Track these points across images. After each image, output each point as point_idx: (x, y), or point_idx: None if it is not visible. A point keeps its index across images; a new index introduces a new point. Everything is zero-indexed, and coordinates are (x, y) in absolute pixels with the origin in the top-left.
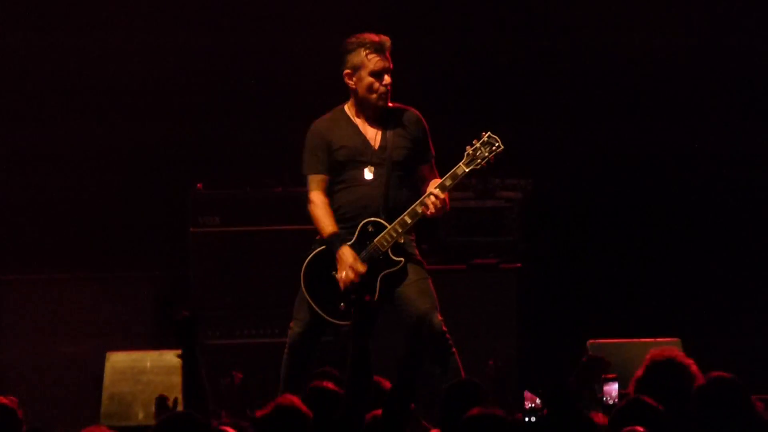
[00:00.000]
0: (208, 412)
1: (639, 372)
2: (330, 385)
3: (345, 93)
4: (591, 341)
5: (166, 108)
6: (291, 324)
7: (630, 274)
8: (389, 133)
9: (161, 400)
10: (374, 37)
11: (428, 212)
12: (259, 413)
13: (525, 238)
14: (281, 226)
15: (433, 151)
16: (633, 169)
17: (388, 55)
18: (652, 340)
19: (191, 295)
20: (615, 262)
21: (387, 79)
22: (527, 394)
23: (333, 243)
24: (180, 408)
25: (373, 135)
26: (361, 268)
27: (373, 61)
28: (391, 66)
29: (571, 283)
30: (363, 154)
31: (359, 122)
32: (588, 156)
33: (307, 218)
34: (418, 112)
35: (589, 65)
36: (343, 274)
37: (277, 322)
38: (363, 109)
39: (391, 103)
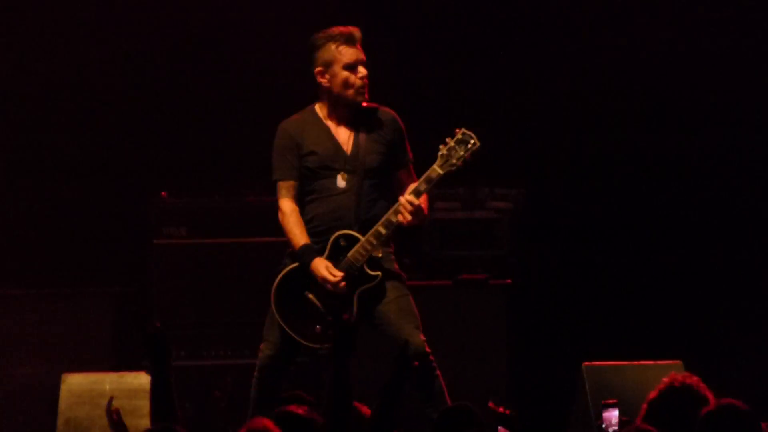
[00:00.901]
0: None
1: (652, 394)
2: (300, 410)
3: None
4: (586, 364)
5: (126, 110)
6: (261, 346)
7: (629, 291)
8: (362, 136)
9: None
10: (343, 29)
11: (404, 221)
12: None
13: (516, 252)
14: (253, 238)
15: (410, 155)
16: (632, 178)
17: (359, 46)
18: (652, 362)
19: (154, 312)
20: (612, 278)
21: (362, 71)
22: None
23: (304, 256)
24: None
25: (346, 138)
26: (338, 273)
27: (346, 54)
28: (365, 57)
29: (565, 301)
30: (334, 160)
31: (331, 124)
32: (584, 163)
33: (280, 230)
34: (393, 112)
35: (585, 66)
36: (329, 287)
37: (247, 341)
38: (337, 108)
39: (366, 102)
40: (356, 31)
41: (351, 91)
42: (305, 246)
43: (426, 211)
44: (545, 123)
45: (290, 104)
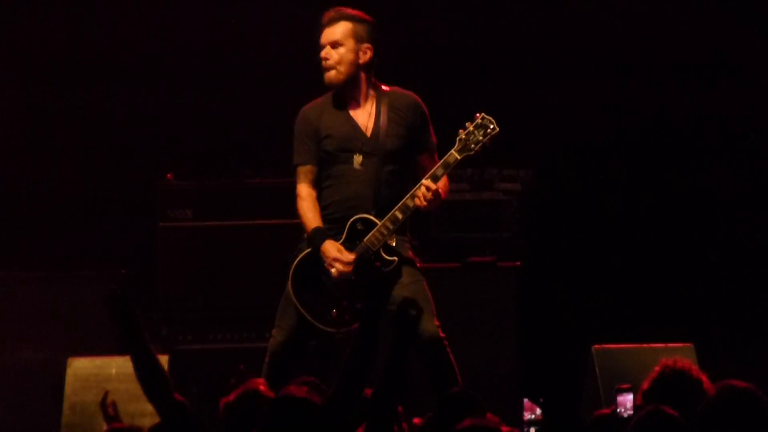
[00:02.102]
0: (170, 389)
1: (645, 384)
2: (298, 391)
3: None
4: (596, 346)
5: (131, 92)
6: (273, 331)
7: (639, 273)
8: (383, 119)
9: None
10: (326, 14)
11: (421, 205)
12: (224, 400)
13: (525, 234)
14: (259, 220)
15: (434, 140)
16: (643, 159)
17: (327, 28)
18: (663, 345)
19: (159, 295)
20: (623, 260)
21: (322, 52)
22: (527, 403)
23: (315, 239)
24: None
25: (365, 121)
26: (349, 256)
27: (320, 40)
28: (327, 39)
29: (574, 283)
30: (352, 141)
31: (350, 107)
32: (594, 144)
33: (287, 212)
34: (416, 96)
35: (596, 44)
36: (333, 271)
37: (254, 325)
38: (352, 90)
39: (388, 86)
40: (328, 14)
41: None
42: (316, 229)
43: (444, 195)
44: (554, 102)
45: (297, 86)
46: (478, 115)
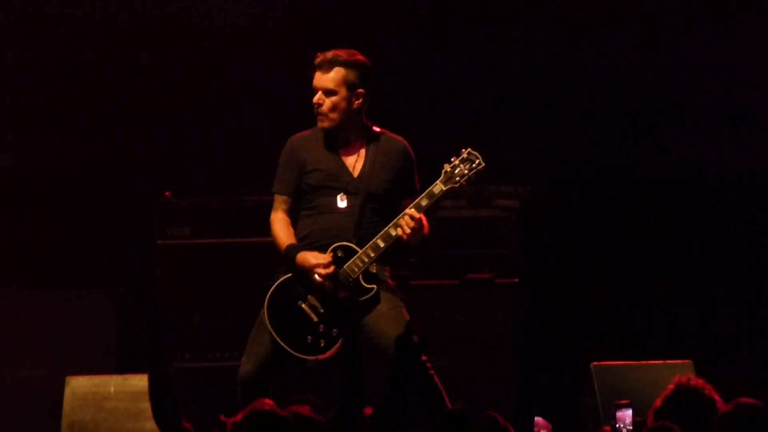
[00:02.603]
0: (180, 415)
1: (657, 402)
2: (302, 409)
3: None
4: (595, 363)
5: (130, 110)
6: (243, 359)
7: (638, 289)
8: (371, 161)
9: None
10: (319, 55)
11: (403, 235)
12: (230, 420)
13: (523, 251)
14: (258, 238)
15: (417, 185)
16: (642, 174)
17: (322, 72)
18: (662, 362)
19: (158, 313)
20: (621, 276)
21: (315, 98)
22: (539, 420)
23: (289, 254)
24: None
25: (353, 161)
26: (326, 257)
27: (313, 80)
28: (320, 85)
29: (573, 300)
30: (337, 180)
31: (341, 147)
32: (592, 159)
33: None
34: (405, 143)
35: (593, 61)
36: (316, 277)
37: None
38: (343, 131)
39: (378, 128)
40: (323, 56)
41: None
42: (290, 245)
43: (426, 230)
44: (552, 118)
45: (293, 106)
46: (464, 150)
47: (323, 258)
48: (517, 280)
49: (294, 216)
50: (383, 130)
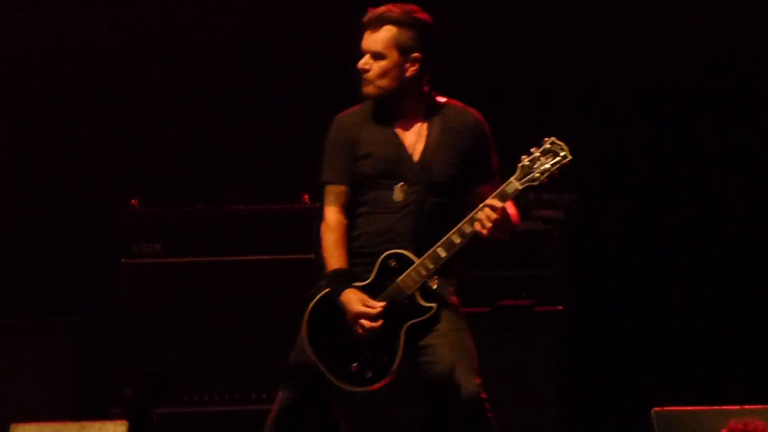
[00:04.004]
0: None
1: None
2: None
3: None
4: (657, 409)
5: (89, 104)
6: (282, 384)
7: (707, 320)
8: (434, 141)
9: None
10: (369, 11)
11: (481, 231)
12: None
13: (568, 272)
14: (243, 256)
15: (497, 167)
16: (713, 179)
17: (371, 31)
18: (737, 407)
19: (121, 346)
20: (688, 304)
21: (360, 62)
22: None
23: (333, 284)
24: None
25: (413, 141)
26: (376, 306)
27: (362, 42)
28: (367, 47)
29: (628, 332)
30: (395, 167)
31: (396, 123)
32: (652, 163)
33: (279, 245)
34: (478, 114)
35: (649, 57)
36: (358, 329)
37: (238, 384)
38: (401, 103)
39: (445, 97)
40: (371, 12)
41: None
42: (336, 272)
43: (516, 220)
44: (604, 114)
45: (289, 96)
46: (546, 139)
47: (372, 310)
48: (561, 307)
49: (350, 212)
50: (450, 101)
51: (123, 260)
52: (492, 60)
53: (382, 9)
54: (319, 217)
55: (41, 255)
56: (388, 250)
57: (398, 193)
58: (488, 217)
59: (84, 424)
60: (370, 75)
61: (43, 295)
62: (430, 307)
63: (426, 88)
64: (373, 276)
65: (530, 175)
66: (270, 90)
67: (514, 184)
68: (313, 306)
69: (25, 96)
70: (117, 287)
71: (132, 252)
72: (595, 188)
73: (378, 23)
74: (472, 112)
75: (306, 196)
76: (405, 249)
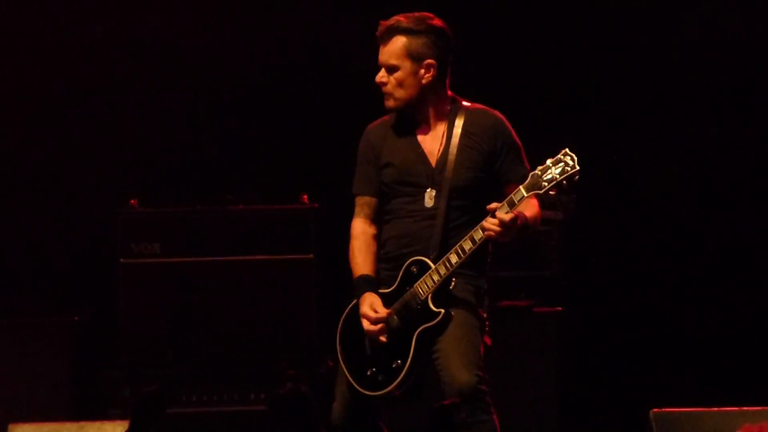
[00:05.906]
0: None
1: None
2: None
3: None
4: (655, 410)
5: (88, 104)
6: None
7: (707, 320)
8: (455, 145)
9: None
10: (380, 24)
11: (492, 236)
12: None
13: (567, 273)
14: (243, 256)
15: (527, 166)
16: (713, 180)
17: (383, 44)
18: (738, 409)
19: (120, 346)
20: (687, 304)
21: (377, 76)
22: None
23: (356, 289)
24: None
25: (434, 147)
26: (381, 311)
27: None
28: (383, 61)
29: (627, 333)
30: (414, 173)
31: (418, 130)
32: (652, 164)
33: (279, 246)
34: (500, 116)
35: (647, 54)
36: (366, 325)
37: (236, 385)
38: (420, 110)
39: (468, 101)
40: (381, 26)
41: None
42: (360, 278)
43: (532, 221)
44: (604, 115)
45: (289, 94)
46: (562, 150)
47: (375, 314)
48: (560, 308)
49: (378, 220)
50: (473, 104)
51: (122, 260)
52: (492, 60)
53: (391, 20)
54: (318, 217)
55: (40, 255)
56: (410, 255)
57: (423, 199)
58: (495, 224)
59: (82, 424)
60: (388, 88)
61: (41, 295)
62: (439, 312)
63: (450, 93)
64: (397, 282)
65: (537, 184)
66: (270, 90)
67: (521, 191)
68: (345, 316)
69: (25, 97)
70: (116, 287)
71: (131, 252)
72: (594, 189)
73: (388, 35)
74: (494, 113)
75: (305, 196)
76: (427, 255)
